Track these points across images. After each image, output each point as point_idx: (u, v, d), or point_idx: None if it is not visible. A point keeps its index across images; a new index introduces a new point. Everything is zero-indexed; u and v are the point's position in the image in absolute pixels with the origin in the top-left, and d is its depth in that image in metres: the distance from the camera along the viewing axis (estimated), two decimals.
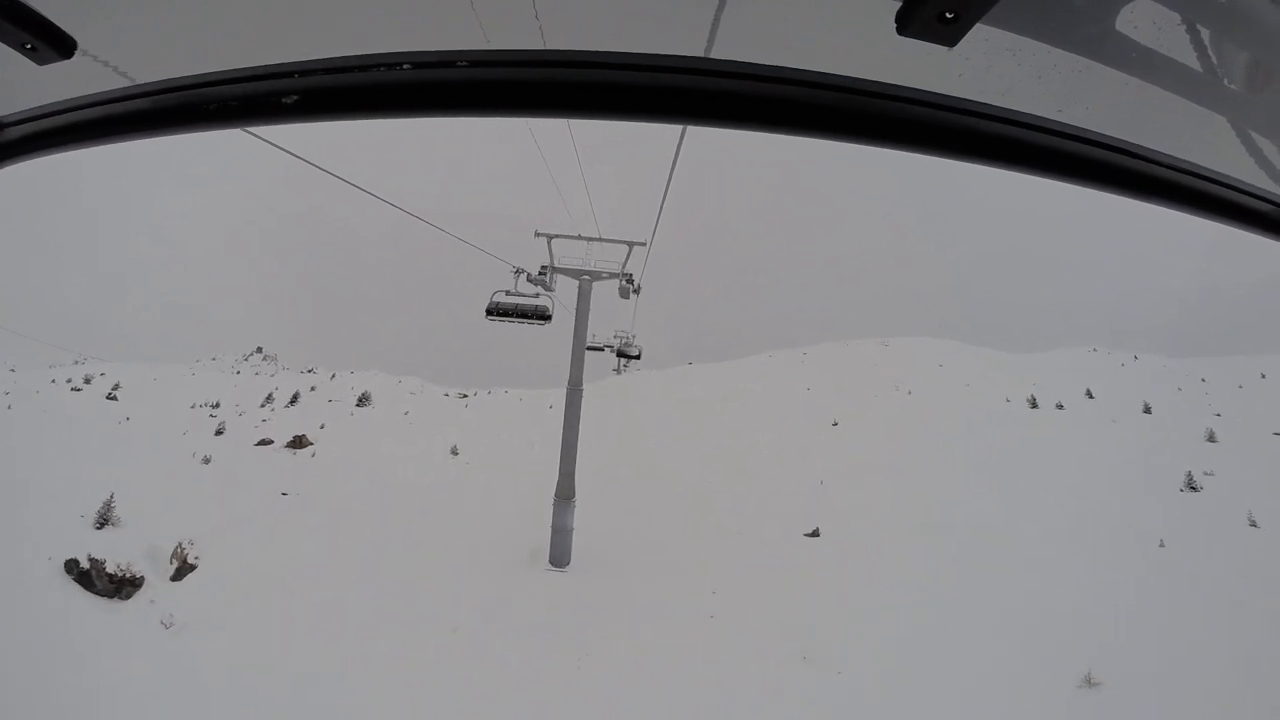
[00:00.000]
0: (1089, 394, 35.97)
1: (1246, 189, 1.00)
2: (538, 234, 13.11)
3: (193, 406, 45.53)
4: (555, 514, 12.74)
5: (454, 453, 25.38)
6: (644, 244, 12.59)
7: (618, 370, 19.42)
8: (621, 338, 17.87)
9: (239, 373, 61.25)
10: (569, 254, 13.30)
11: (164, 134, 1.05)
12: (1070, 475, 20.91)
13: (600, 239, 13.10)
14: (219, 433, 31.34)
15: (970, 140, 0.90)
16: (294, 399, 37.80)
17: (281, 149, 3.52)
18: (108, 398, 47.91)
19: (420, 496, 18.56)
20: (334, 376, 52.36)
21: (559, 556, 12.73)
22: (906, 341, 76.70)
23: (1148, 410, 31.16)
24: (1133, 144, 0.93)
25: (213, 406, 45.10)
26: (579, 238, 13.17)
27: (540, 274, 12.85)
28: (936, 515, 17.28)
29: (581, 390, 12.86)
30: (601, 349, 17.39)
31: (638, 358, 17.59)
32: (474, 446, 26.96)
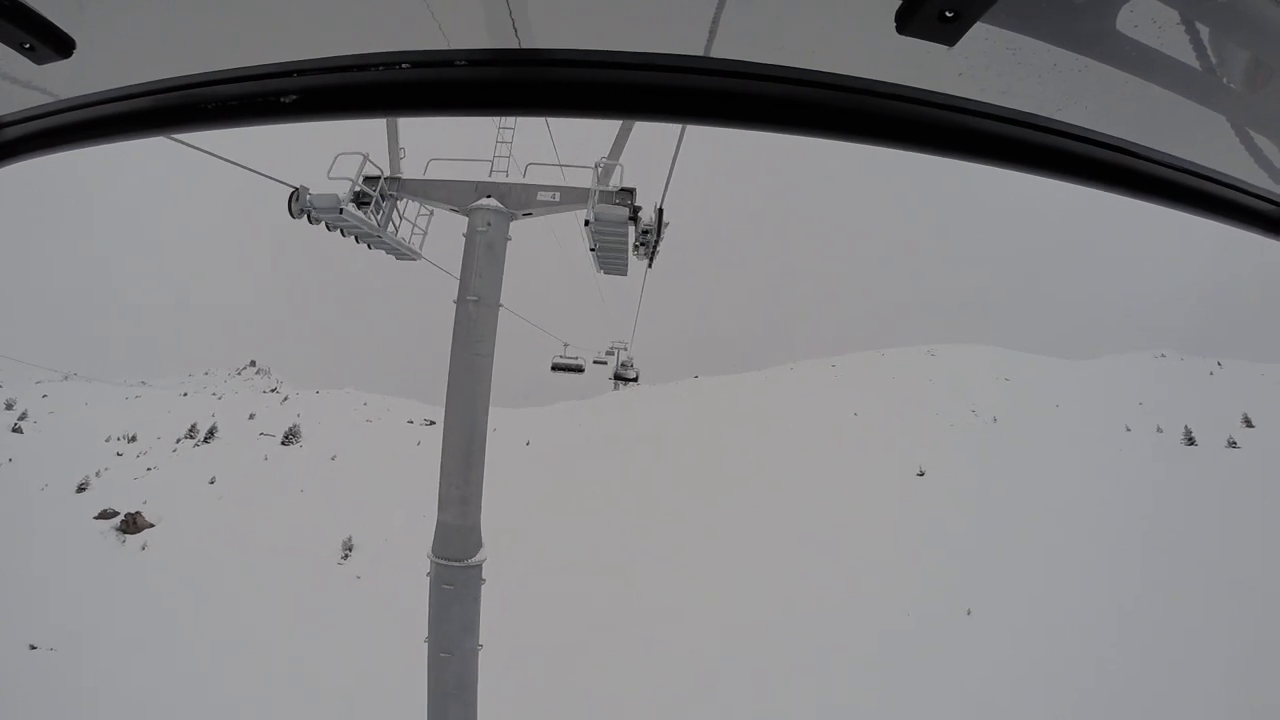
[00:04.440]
0: (1248, 422, 27.18)
1: (1246, 188, 0.98)
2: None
3: (107, 440, 37.83)
4: None
5: (346, 553, 16.86)
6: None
7: (615, 386, 16.76)
8: (619, 348, 14.77)
9: (186, 394, 53.72)
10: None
11: (163, 134, 1.03)
12: None
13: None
14: (81, 489, 23.36)
15: (970, 139, 0.88)
16: (210, 434, 29.86)
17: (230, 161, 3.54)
18: (13, 430, 39.99)
19: (242, 672, 10.33)
20: (286, 400, 44.60)
21: None
22: (954, 350, 67.79)
23: None
24: (1132, 143, 0.91)
25: (128, 440, 37.44)
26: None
27: (362, 194, 4.88)
28: None
29: (480, 568, 4.28)
30: (579, 368, 13.06)
31: (635, 380, 14.83)
32: (383, 535, 18.35)
